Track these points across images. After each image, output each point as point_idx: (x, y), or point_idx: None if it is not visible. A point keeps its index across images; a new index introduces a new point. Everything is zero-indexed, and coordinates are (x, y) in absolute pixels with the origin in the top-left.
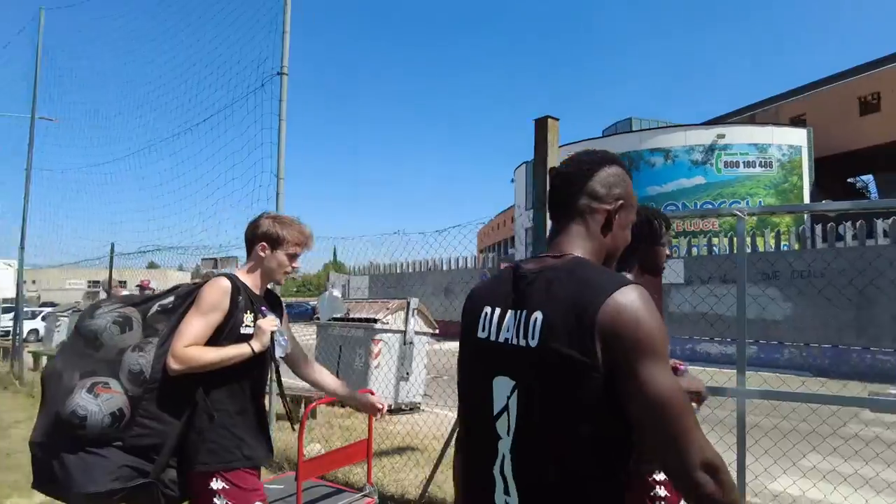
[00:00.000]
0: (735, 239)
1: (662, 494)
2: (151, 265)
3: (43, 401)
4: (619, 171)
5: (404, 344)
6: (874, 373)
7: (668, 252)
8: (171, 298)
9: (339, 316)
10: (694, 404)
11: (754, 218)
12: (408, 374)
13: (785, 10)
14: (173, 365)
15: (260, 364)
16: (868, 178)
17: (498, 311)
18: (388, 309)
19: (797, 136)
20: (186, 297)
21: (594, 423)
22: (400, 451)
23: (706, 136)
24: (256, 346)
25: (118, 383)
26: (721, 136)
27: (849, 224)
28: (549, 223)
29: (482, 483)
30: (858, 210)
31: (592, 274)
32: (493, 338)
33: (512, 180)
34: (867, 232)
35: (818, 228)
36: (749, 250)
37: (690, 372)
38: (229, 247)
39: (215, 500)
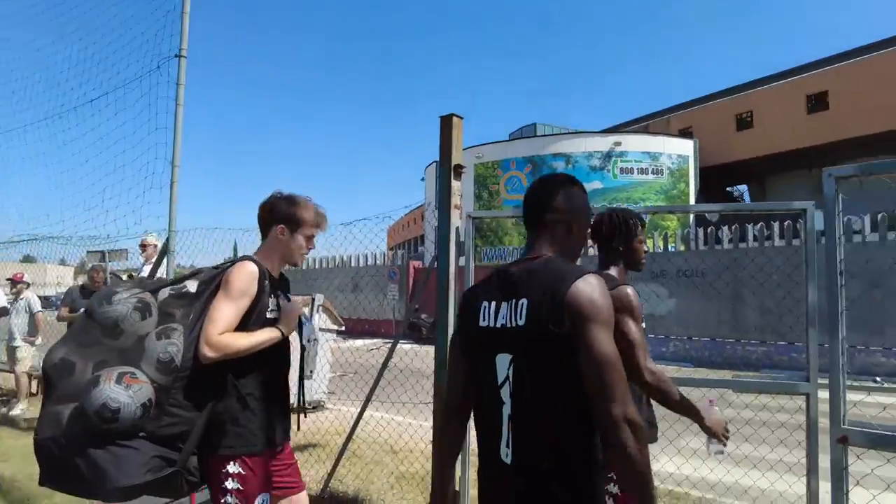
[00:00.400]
0: None
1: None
2: (27, 259)
3: (50, 394)
4: (575, 190)
5: (308, 341)
6: (743, 362)
7: (645, 248)
8: (187, 283)
9: None
10: (718, 446)
11: (646, 221)
12: (311, 371)
13: (676, 28)
14: (208, 353)
15: (284, 348)
16: (743, 188)
17: (494, 303)
18: None
19: (685, 147)
20: (210, 283)
21: (570, 381)
22: (301, 448)
23: (604, 143)
24: (286, 329)
25: (142, 372)
26: (617, 144)
27: (726, 228)
28: (451, 220)
29: (489, 442)
30: (730, 211)
31: (562, 267)
32: (492, 324)
33: (422, 179)
34: (740, 235)
35: (700, 232)
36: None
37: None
38: (118, 237)
39: (227, 483)
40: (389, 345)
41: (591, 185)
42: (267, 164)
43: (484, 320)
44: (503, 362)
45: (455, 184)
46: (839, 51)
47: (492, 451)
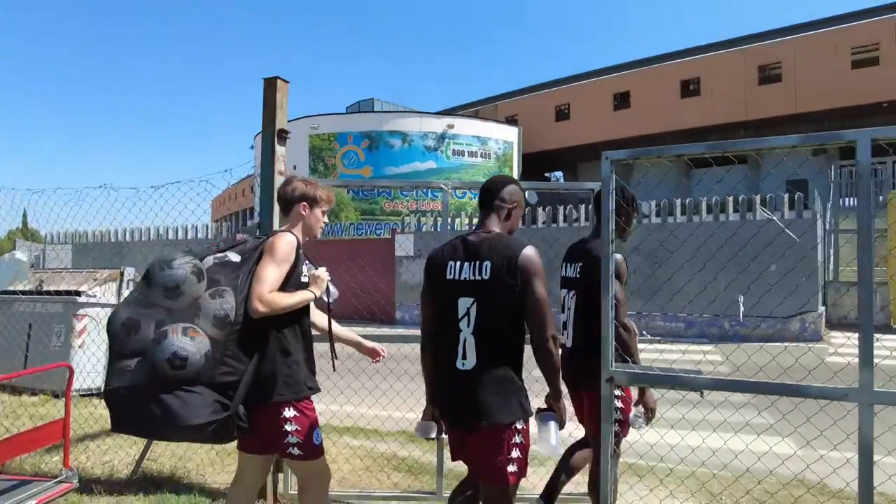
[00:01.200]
0: (452, 215)
1: (619, 406)
2: None
3: (116, 350)
4: (516, 187)
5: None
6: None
7: (635, 224)
8: (228, 254)
9: (27, 288)
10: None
11: (474, 200)
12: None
13: (509, 17)
14: (260, 307)
15: (308, 308)
16: (559, 174)
17: (458, 262)
18: (95, 279)
19: (511, 133)
20: (254, 252)
21: (514, 314)
22: (110, 432)
23: (438, 124)
24: (317, 291)
25: (199, 328)
26: (451, 127)
27: (541, 210)
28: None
29: (449, 357)
30: (537, 189)
31: (511, 240)
32: (457, 277)
33: (251, 147)
34: (552, 216)
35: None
36: (468, 228)
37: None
38: None
39: (286, 426)
40: None
41: (426, 165)
42: (66, 123)
43: (450, 274)
44: (464, 304)
45: (279, 149)
46: (643, 56)
47: (449, 364)
